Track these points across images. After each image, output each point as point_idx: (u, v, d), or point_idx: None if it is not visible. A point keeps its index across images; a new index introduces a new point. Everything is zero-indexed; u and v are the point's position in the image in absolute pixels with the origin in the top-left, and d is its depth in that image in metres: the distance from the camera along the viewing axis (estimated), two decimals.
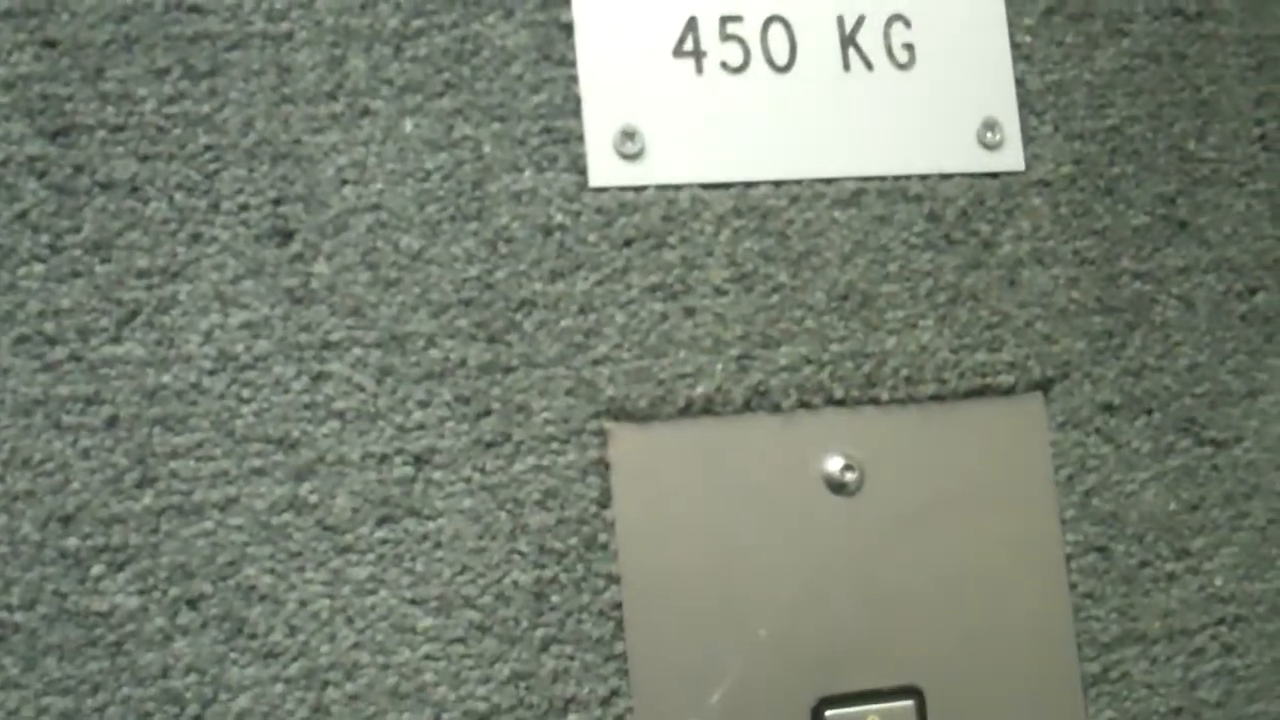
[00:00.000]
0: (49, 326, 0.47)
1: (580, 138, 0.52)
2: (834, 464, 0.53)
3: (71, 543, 0.46)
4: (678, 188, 0.53)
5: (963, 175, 0.55)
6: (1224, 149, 0.59)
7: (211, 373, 0.48)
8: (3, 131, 0.47)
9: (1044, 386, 0.55)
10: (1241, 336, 0.57)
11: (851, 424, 0.53)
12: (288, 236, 0.49)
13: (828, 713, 0.51)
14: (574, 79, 0.52)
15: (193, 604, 0.47)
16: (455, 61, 0.51)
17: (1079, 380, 0.55)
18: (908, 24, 0.56)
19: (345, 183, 0.50)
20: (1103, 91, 0.57)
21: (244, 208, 0.49)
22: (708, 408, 0.52)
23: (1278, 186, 0.59)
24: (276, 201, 0.49)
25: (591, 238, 0.52)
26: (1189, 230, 0.58)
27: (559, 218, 0.51)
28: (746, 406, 0.52)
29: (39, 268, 0.47)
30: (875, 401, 0.53)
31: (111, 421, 0.47)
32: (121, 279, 0.48)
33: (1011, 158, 0.56)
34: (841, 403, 0.53)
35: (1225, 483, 0.56)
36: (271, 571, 0.47)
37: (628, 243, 0.52)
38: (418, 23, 0.51)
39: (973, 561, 0.53)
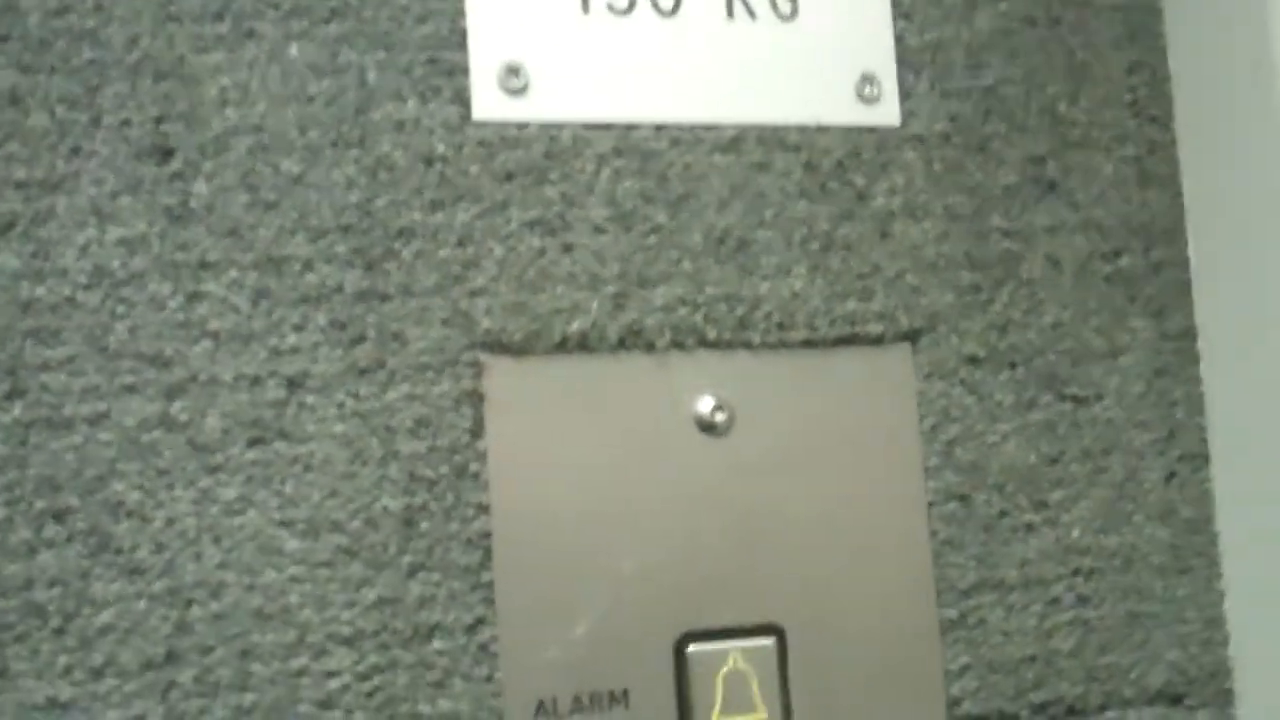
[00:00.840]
0: None
1: (465, 70, 0.60)
2: (705, 405, 0.62)
3: None
4: (560, 125, 0.61)
5: (840, 127, 0.65)
6: (1094, 113, 0.69)
7: (86, 288, 0.55)
8: None
9: (912, 337, 0.65)
10: (1105, 296, 0.68)
11: (723, 366, 0.62)
12: (168, 154, 0.56)
13: (690, 647, 0.60)
14: (461, 11, 0.60)
15: (59, 517, 0.54)
16: None
17: (945, 333, 0.65)
18: None
19: (227, 103, 0.57)
20: (979, 51, 0.67)
21: (125, 124, 0.56)
22: (583, 344, 0.60)
23: (1145, 152, 0.69)
24: (158, 119, 0.56)
25: (473, 170, 0.60)
26: (1058, 191, 0.68)
27: (441, 149, 0.60)
28: (621, 345, 0.61)
29: None
30: (747, 345, 0.62)
31: None
32: (0, 188, 0.55)
33: (888, 112, 0.66)
34: (714, 345, 0.62)
35: (1084, 438, 0.67)
36: (140, 488, 0.55)
37: (508, 177, 0.60)
38: None
39: (837, 506, 0.63)
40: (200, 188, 0.56)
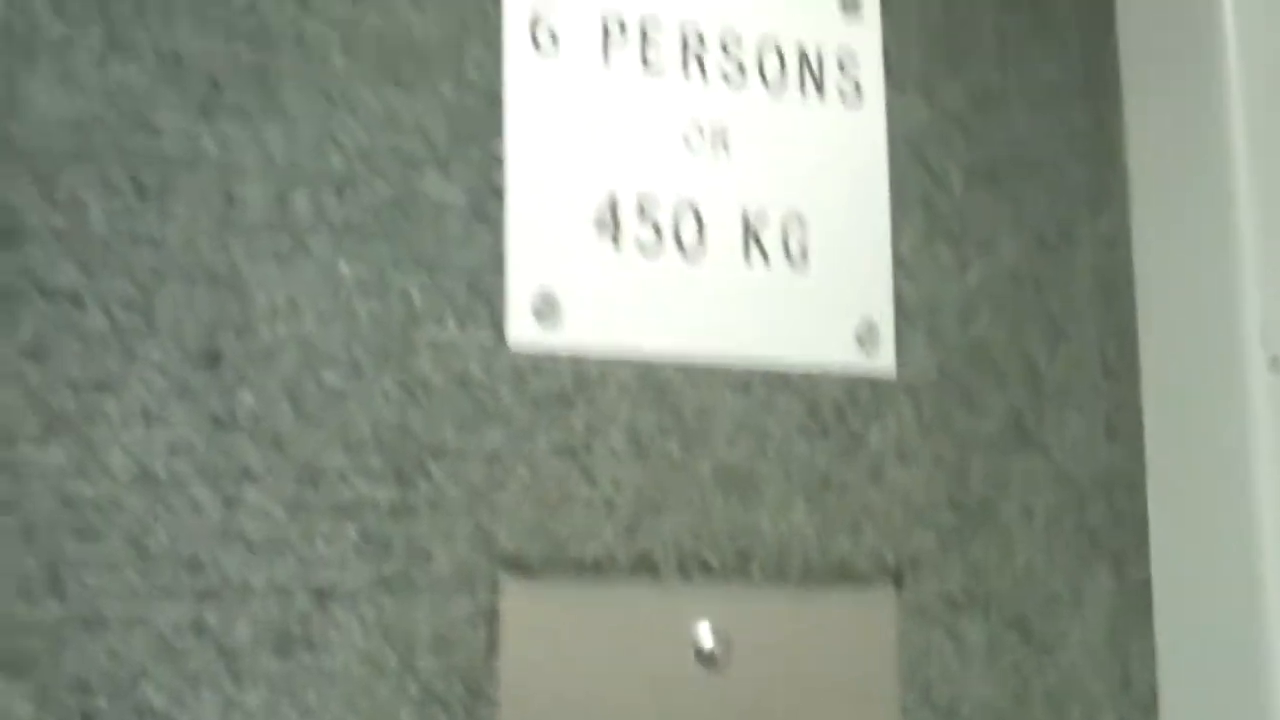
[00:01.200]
0: None
1: (502, 296, 0.66)
2: (704, 634, 0.68)
3: None
4: (588, 356, 0.68)
5: (840, 373, 0.73)
6: (1070, 370, 0.78)
7: (130, 489, 0.59)
8: None
9: (897, 577, 0.72)
10: (1071, 546, 0.76)
11: (723, 596, 0.68)
12: (216, 361, 0.61)
13: None
14: (501, 239, 0.67)
15: (88, 718, 0.57)
16: (394, 211, 0.65)
17: (928, 574, 0.73)
18: (804, 224, 0.73)
19: (278, 315, 0.62)
20: (969, 307, 0.76)
21: (178, 329, 0.61)
22: (596, 568, 0.66)
23: (1113, 409, 0.79)
24: (210, 326, 0.61)
25: (504, 394, 0.66)
26: (1034, 442, 0.76)
27: (476, 372, 0.65)
28: (630, 571, 0.67)
29: None
30: (746, 577, 0.69)
31: (27, 526, 0.57)
32: (53, 386, 0.59)
33: (885, 360, 0.74)
34: (716, 574, 0.68)
35: (1048, 681, 0.74)
36: (168, 692, 0.58)
37: (537, 403, 0.66)
38: (363, 170, 0.65)
39: None
40: (246, 397, 0.61)
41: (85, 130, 0.60)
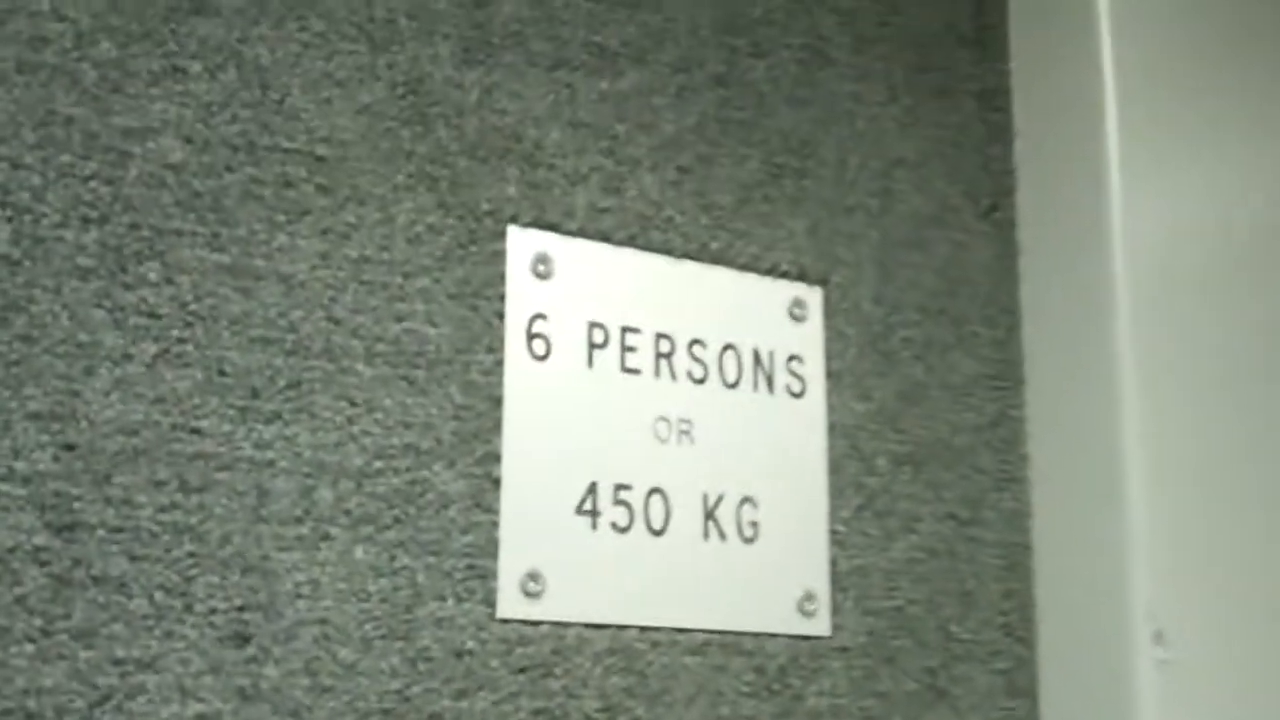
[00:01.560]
0: (30, 703, 0.64)
1: (495, 575, 0.75)
2: None
3: None
4: (567, 625, 0.76)
5: (786, 636, 0.82)
6: (977, 632, 0.88)
7: None
8: (15, 521, 0.65)
9: None
10: None
11: None
12: (246, 640, 0.69)
13: None
14: (496, 524, 0.75)
15: None
16: (404, 501, 0.73)
17: None
18: (755, 505, 0.83)
19: (300, 597, 0.70)
20: (894, 576, 0.86)
21: (213, 611, 0.68)
22: None
23: (1015, 668, 0.89)
24: (241, 609, 0.69)
25: (494, 663, 0.74)
26: (946, 698, 0.86)
27: (469, 644, 0.73)
28: None
29: (29, 648, 0.64)
30: None
31: None
32: (100, 665, 0.65)
33: (822, 625, 0.83)
34: None
35: None
36: None
37: (522, 670, 0.74)
38: (378, 464, 0.73)
39: None
40: (270, 671, 0.68)
41: (138, 432, 0.68)
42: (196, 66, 0.72)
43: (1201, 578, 0.85)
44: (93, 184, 0.69)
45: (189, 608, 0.67)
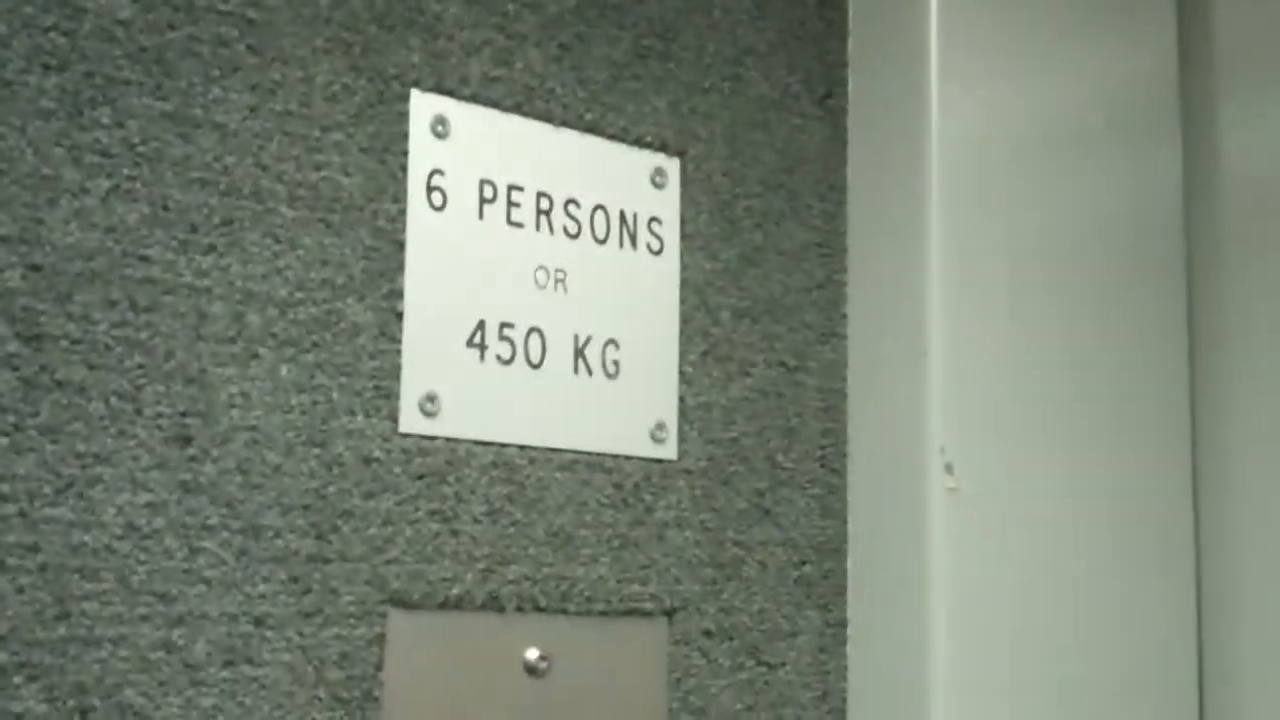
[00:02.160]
0: (4, 488, 0.74)
1: (398, 396, 0.87)
2: (531, 655, 0.90)
3: (2, 657, 0.73)
4: (459, 441, 0.89)
5: (639, 458, 0.96)
6: (799, 462, 1.04)
7: (120, 538, 0.77)
8: None
9: (670, 613, 0.96)
10: (793, 595, 1.02)
11: (547, 627, 0.91)
12: (188, 442, 0.80)
13: None
14: (399, 352, 0.87)
15: (84, 714, 0.75)
16: (321, 328, 0.85)
17: (692, 613, 0.97)
18: (618, 346, 0.96)
19: (234, 407, 0.81)
20: (731, 412, 1.01)
21: (159, 415, 0.79)
22: (458, 605, 0.87)
23: (828, 493, 1.05)
24: (183, 414, 0.80)
25: (396, 470, 0.86)
26: (770, 515, 1.02)
27: (376, 453, 0.86)
28: (483, 606, 0.89)
29: (4, 440, 0.74)
30: (565, 612, 0.92)
31: (42, 566, 0.75)
32: (64, 458, 0.76)
33: (670, 450, 0.98)
34: (544, 610, 0.91)
35: (772, 693, 1.00)
36: (145, 695, 0.77)
37: (420, 477, 0.87)
38: (299, 295, 0.84)
39: None
40: (209, 468, 0.80)
41: (94, 258, 0.78)
42: None
43: (987, 421, 1.02)
44: (52, 34, 0.78)
45: (139, 412, 0.78)
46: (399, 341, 0.87)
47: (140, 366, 0.79)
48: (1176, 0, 1.18)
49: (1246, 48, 1.17)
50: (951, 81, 1.03)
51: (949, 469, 1.00)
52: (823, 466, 1.05)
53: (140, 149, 0.80)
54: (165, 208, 0.80)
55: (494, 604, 0.89)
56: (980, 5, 1.06)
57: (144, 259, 0.79)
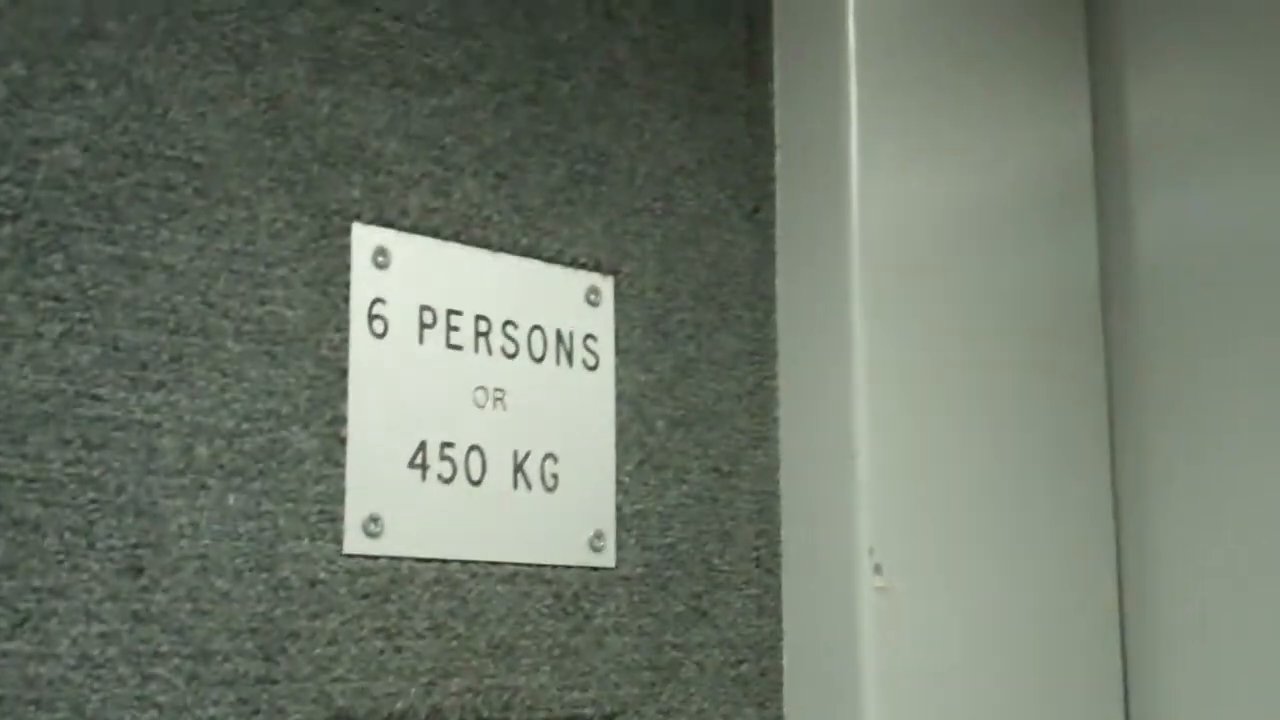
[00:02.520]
0: None
1: (343, 519, 0.91)
2: None
3: None
4: (401, 559, 0.93)
5: (579, 567, 1.01)
6: (734, 565, 1.09)
7: (74, 668, 0.81)
8: None
9: (609, 718, 1.00)
10: (731, 693, 1.07)
11: None
12: (139, 572, 0.84)
13: None
14: (343, 476, 0.92)
15: None
16: (267, 456, 0.89)
17: (631, 715, 1.01)
18: (556, 460, 1.01)
19: (184, 537, 0.85)
20: (667, 519, 1.06)
21: (111, 549, 0.83)
22: (403, 718, 0.91)
23: (762, 592, 1.10)
24: (135, 546, 0.84)
25: (341, 590, 0.90)
26: (707, 617, 1.07)
27: (322, 575, 0.90)
28: (427, 719, 0.93)
29: None
30: None
31: (0, 699, 0.78)
32: (20, 592, 0.80)
33: (608, 558, 1.02)
34: None
35: None
36: None
37: (364, 596, 0.91)
38: (246, 425, 0.88)
39: None
40: (160, 597, 0.84)
41: (47, 399, 0.82)
42: (92, 84, 0.86)
43: (914, 521, 1.07)
44: (6, 185, 0.82)
45: (91, 545, 0.82)
46: (343, 466, 0.92)
47: (93, 501, 0.83)
48: (1091, 87, 1.24)
49: (1159, 132, 1.23)
50: (871, 191, 1.09)
51: (878, 569, 1.05)
52: (758, 567, 1.09)
53: (91, 292, 0.84)
54: (116, 348, 0.85)
55: (437, 716, 0.93)
56: (899, 107, 1.12)
57: (95, 398, 0.84)
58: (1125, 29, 1.26)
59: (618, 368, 1.05)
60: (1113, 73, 1.26)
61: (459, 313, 0.98)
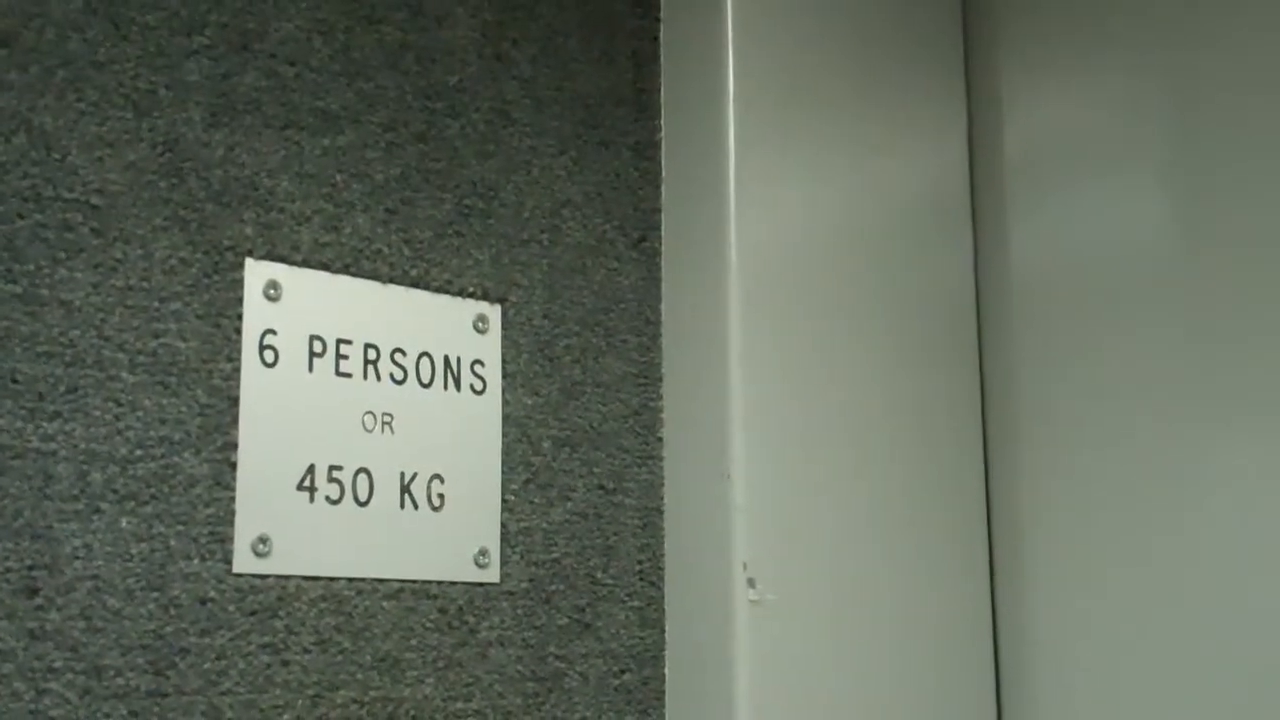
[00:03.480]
0: None
1: (232, 540, 0.98)
2: None
3: None
4: (289, 577, 1.00)
5: (463, 583, 1.08)
6: (618, 578, 1.16)
7: None
8: None
9: None
10: (614, 702, 1.14)
11: None
12: (35, 593, 0.90)
13: None
14: (233, 499, 0.98)
15: None
16: (159, 481, 0.96)
17: None
18: (443, 480, 1.08)
19: (78, 558, 0.92)
20: (552, 535, 1.13)
21: (8, 570, 0.89)
22: None
23: (645, 604, 1.17)
24: (31, 567, 0.90)
25: (230, 608, 0.97)
26: (591, 629, 1.14)
27: (212, 593, 0.97)
28: None
29: None
30: None
31: None
32: None
33: (493, 574, 1.09)
34: None
35: None
36: None
37: (253, 613, 0.98)
38: (139, 452, 0.95)
39: None
40: (54, 616, 0.90)
41: None
42: None
43: (787, 537, 1.15)
44: None
45: None
46: (233, 489, 0.98)
47: None
48: (967, 108, 1.32)
49: (1032, 150, 1.30)
50: (751, 215, 1.16)
51: (751, 583, 1.12)
52: (642, 580, 1.17)
53: None
54: (14, 380, 0.91)
55: None
56: (778, 138, 1.19)
57: None
58: (1000, 53, 1.33)
59: (505, 391, 1.12)
60: (988, 94, 1.34)
61: (349, 341, 1.05)
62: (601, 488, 1.16)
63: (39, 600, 0.90)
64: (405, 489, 1.06)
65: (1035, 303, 1.28)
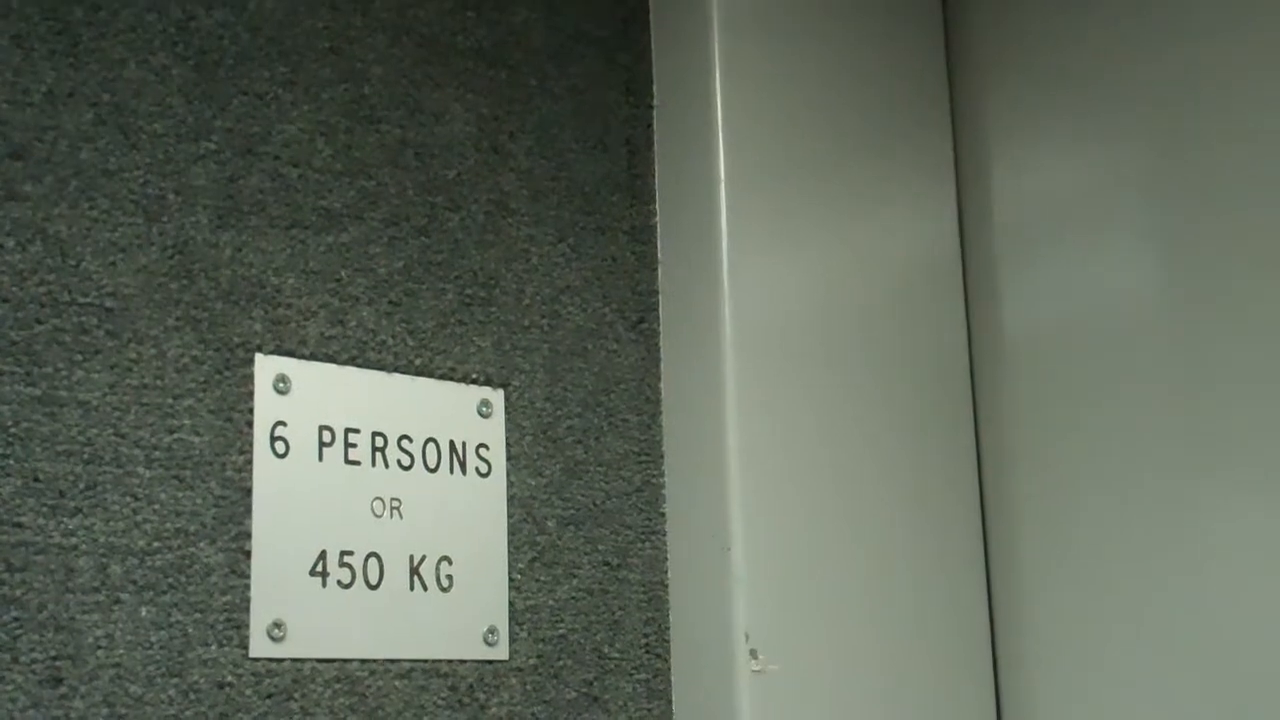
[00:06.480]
0: None
1: (248, 625, 1.03)
2: None
3: None
4: (304, 660, 1.05)
5: (473, 661, 1.13)
6: (625, 652, 1.20)
7: None
8: None
9: None
10: None
11: None
12: (59, 682, 0.96)
13: None
14: (248, 586, 1.04)
15: None
16: (177, 571, 1.01)
17: None
18: (451, 562, 1.13)
19: (100, 648, 0.97)
20: (558, 612, 1.18)
21: (34, 661, 0.95)
22: None
23: (652, 676, 1.22)
24: (55, 658, 0.96)
25: (248, 692, 1.02)
26: (599, 703, 1.18)
27: (229, 678, 1.02)
28: None
29: None
30: None
31: None
32: None
33: (502, 651, 1.14)
34: None
35: None
36: None
37: (269, 696, 1.03)
38: (157, 544, 1.00)
39: None
40: (78, 704, 0.96)
41: None
42: (11, 242, 0.99)
43: (787, 611, 1.19)
44: None
45: (15, 659, 0.94)
46: (247, 577, 1.04)
47: (16, 619, 0.95)
48: (957, 175, 1.38)
49: (1023, 215, 1.36)
50: (743, 304, 1.22)
51: (753, 653, 1.17)
52: (648, 653, 1.21)
53: (13, 429, 0.97)
54: (36, 479, 0.97)
55: None
56: (771, 219, 1.25)
57: (18, 525, 0.96)
58: (987, 120, 1.39)
59: (509, 473, 1.17)
60: (976, 160, 1.39)
61: (356, 430, 1.11)
62: (606, 564, 1.21)
63: (63, 689, 0.95)
64: (415, 571, 1.11)
65: (1028, 363, 1.33)
